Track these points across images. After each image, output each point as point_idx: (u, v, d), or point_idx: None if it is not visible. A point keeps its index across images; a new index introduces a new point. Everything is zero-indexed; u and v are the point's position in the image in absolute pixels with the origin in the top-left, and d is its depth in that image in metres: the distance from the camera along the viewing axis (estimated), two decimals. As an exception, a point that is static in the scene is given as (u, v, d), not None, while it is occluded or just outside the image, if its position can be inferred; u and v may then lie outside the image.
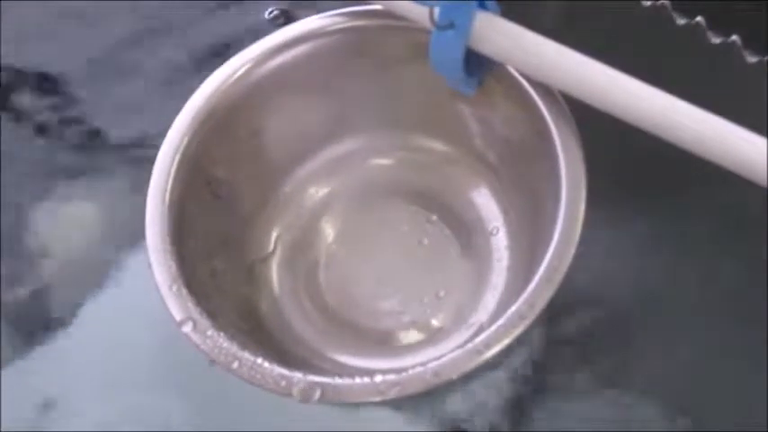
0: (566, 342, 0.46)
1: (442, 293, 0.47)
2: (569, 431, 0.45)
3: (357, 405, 0.43)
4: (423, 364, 0.38)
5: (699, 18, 0.47)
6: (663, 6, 0.47)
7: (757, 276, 0.46)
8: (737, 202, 0.46)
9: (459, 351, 0.38)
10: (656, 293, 0.47)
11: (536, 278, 0.40)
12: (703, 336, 0.46)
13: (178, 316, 0.41)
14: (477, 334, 0.39)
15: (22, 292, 0.51)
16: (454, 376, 0.38)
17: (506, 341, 0.38)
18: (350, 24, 0.47)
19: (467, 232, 0.48)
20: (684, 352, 0.46)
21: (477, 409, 0.45)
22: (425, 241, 0.48)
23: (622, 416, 0.45)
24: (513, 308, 0.39)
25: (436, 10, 0.42)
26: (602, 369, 0.46)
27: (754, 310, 0.45)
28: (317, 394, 0.38)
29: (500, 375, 0.46)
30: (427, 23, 0.42)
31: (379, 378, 0.38)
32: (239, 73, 0.46)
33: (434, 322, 0.46)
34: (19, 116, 0.57)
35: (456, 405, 0.45)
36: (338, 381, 0.39)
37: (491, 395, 0.45)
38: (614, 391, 0.45)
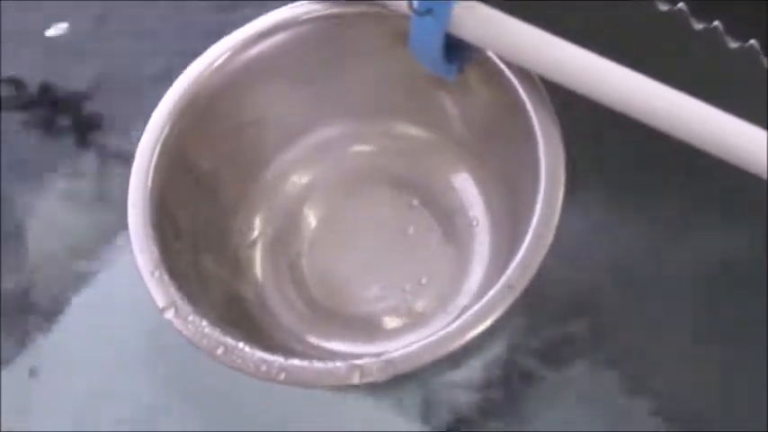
0: (553, 335, 0.46)
1: (424, 279, 0.47)
2: (560, 430, 0.45)
3: (335, 389, 0.43)
4: (393, 351, 0.39)
5: (681, 4, 0.47)
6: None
7: (754, 265, 0.46)
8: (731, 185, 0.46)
9: (429, 339, 0.39)
10: (646, 284, 0.47)
11: (511, 267, 0.40)
12: (699, 333, 0.46)
13: (160, 302, 0.41)
14: (456, 320, 0.39)
15: (9, 285, 0.51)
16: (429, 360, 0.38)
17: (479, 329, 0.39)
18: (329, 12, 0.47)
19: (448, 218, 0.48)
20: (678, 348, 0.46)
21: (467, 392, 0.46)
22: (408, 228, 0.49)
23: (615, 413, 0.45)
24: (478, 306, 0.39)
25: (415, -5, 0.42)
26: (593, 366, 0.45)
27: (752, 304, 0.45)
28: (295, 378, 0.39)
29: (490, 366, 0.46)
30: (406, 10, 0.42)
31: (353, 362, 0.39)
32: (219, 61, 0.46)
33: (417, 308, 0.47)
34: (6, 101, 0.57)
35: (445, 394, 0.46)
36: (317, 365, 0.39)
37: (479, 385, 0.46)
38: (607, 388, 0.45)
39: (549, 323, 0.46)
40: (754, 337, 0.45)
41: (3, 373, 0.49)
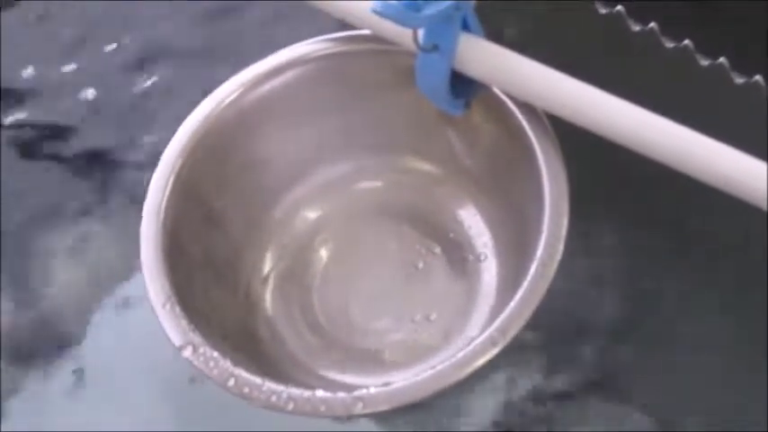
0: (556, 354, 0.47)
1: (432, 312, 0.48)
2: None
3: (341, 419, 0.44)
4: (396, 382, 0.39)
5: (687, 41, 0.48)
6: (652, 31, 0.48)
7: (753, 276, 0.46)
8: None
9: (431, 371, 0.39)
10: (647, 300, 0.48)
11: (516, 296, 0.40)
12: (700, 338, 0.46)
13: (172, 333, 0.42)
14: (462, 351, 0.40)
15: (23, 320, 0.52)
16: (431, 391, 0.39)
17: (476, 365, 0.39)
18: (338, 50, 0.48)
19: (457, 252, 0.49)
20: (680, 354, 0.46)
21: (472, 421, 0.46)
22: (416, 262, 0.49)
23: (618, 418, 0.45)
24: (482, 336, 0.40)
25: (420, 32, 0.43)
26: (594, 376, 0.46)
27: (752, 308, 0.46)
28: (302, 408, 0.40)
29: (492, 386, 0.46)
30: (412, 46, 0.43)
31: (356, 393, 0.39)
32: (230, 98, 0.48)
33: (425, 341, 0.47)
34: (18, 142, 0.59)
35: (451, 417, 0.46)
36: (322, 395, 0.40)
37: (482, 407, 0.46)
38: (608, 395, 0.46)
39: (554, 353, 0.47)
40: (755, 337, 0.45)
41: (19, 402, 0.50)
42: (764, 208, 0.39)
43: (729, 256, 0.48)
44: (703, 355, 0.46)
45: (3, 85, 0.61)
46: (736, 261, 0.47)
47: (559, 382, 0.46)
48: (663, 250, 0.48)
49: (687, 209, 0.48)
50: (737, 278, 0.47)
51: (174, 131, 0.47)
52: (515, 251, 0.45)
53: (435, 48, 0.43)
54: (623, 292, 0.48)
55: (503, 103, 0.45)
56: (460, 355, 0.39)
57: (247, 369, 0.41)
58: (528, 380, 0.46)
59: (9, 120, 0.60)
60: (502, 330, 0.40)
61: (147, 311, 0.43)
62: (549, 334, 0.47)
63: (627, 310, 0.47)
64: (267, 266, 0.50)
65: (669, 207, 0.49)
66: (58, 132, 0.59)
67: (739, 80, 0.47)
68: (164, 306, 0.42)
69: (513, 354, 0.46)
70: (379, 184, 0.51)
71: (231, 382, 0.41)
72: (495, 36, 0.44)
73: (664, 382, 0.45)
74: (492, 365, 0.40)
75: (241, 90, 0.48)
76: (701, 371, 0.45)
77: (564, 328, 0.47)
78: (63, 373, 0.50)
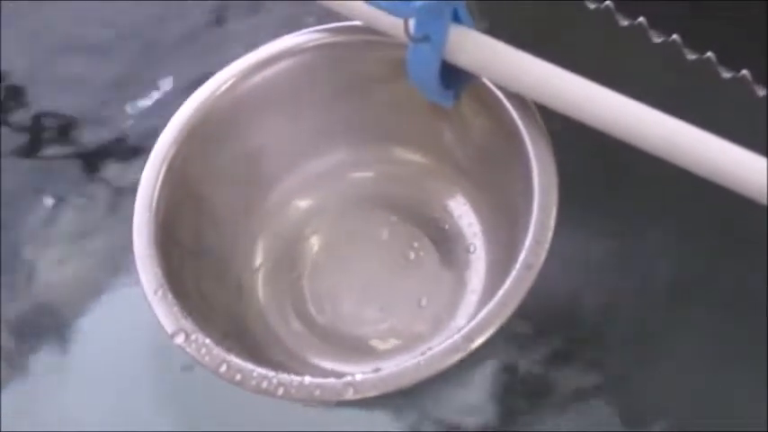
0: (552, 345, 0.47)
1: (423, 302, 0.48)
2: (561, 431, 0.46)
3: (332, 405, 0.44)
4: (386, 368, 0.40)
5: (674, 36, 0.48)
6: (640, 25, 0.49)
7: (754, 273, 0.47)
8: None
9: (414, 360, 0.40)
10: (643, 296, 0.48)
11: (505, 285, 0.41)
12: (699, 337, 0.46)
13: (164, 320, 0.42)
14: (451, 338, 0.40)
15: (20, 307, 0.52)
16: (421, 377, 0.39)
17: (465, 353, 0.40)
18: (331, 40, 0.49)
19: (447, 244, 0.49)
20: (679, 353, 0.46)
21: (465, 408, 0.46)
22: (407, 252, 0.50)
23: (615, 416, 0.45)
24: (472, 324, 0.40)
25: (411, 22, 0.43)
26: (592, 373, 0.46)
27: (752, 307, 0.46)
28: (293, 394, 0.40)
29: (487, 374, 0.47)
30: (404, 37, 0.44)
31: (347, 378, 0.40)
32: (223, 88, 0.48)
33: (415, 329, 0.47)
34: (13, 131, 0.59)
35: (444, 404, 0.46)
36: (313, 381, 0.40)
37: (478, 395, 0.46)
38: (605, 393, 0.46)
39: (548, 347, 0.47)
40: (755, 336, 0.46)
41: (8, 395, 0.50)
42: (764, 203, 0.39)
43: (729, 249, 0.48)
44: (702, 354, 0.46)
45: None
46: (735, 257, 0.48)
47: (552, 378, 0.46)
48: (657, 242, 0.49)
49: (682, 202, 0.48)
50: (737, 275, 0.47)
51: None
52: (505, 241, 0.45)
53: (426, 39, 0.43)
54: (617, 288, 0.48)
55: (493, 95, 0.45)
56: (449, 342, 0.40)
57: (238, 356, 0.41)
58: (518, 373, 0.47)
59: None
60: (489, 318, 0.40)
61: (140, 300, 0.43)
62: (542, 326, 0.47)
63: (620, 307, 0.48)
64: (258, 255, 0.50)
65: (663, 198, 0.49)
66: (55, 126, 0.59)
67: (726, 74, 0.47)
68: (155, 293, 0.43)
69: (502, 344, 0.47)
70: (369, 174, 0.52)
71: (223, 369, 0.41)
72: (485, 29, 0.45)
73: (661, 381, 0.46)
74: (481, 355, 0.40)
75: (234, 80, 0.48)
76: (700, 370, 0.46)
77: (557, 321, 0.47)
78: (59, 362, 0.50)
